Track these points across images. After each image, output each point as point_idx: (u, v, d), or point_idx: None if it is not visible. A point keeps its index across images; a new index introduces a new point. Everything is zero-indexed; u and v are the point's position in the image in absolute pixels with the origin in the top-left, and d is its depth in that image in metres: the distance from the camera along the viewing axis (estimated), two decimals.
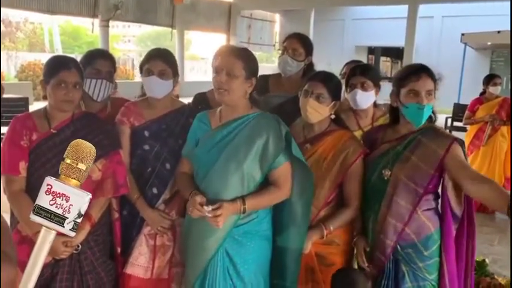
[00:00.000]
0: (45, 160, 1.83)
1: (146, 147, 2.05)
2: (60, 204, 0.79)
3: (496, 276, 2.67)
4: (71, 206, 0.80)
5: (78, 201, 0.80)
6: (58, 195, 0.79)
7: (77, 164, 0.81)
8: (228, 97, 1.75)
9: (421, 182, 1.77)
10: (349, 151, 1.89)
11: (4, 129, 1.95)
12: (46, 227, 0.80)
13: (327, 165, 1.90)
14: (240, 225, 1.80)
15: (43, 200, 0.79)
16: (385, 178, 1.83)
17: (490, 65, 13.88)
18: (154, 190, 2.05)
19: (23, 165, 1.82)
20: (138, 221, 2.06)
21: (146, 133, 2.06)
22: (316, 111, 1.90)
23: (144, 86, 2.09)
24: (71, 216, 0.80)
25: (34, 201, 1.84)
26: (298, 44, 2.37)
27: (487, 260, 2.78)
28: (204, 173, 1.81)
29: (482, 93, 5.21)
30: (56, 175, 1.89)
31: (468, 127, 6.84)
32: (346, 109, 2.31)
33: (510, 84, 9.81)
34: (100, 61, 2.17)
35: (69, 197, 0.80)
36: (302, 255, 1.89)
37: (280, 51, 2.44)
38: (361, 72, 2.28)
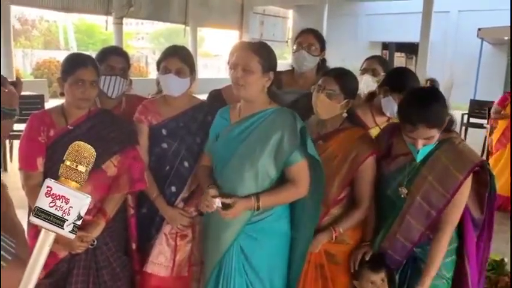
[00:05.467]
0: (62, 156, 1.84)
1: (164, 145, 2.05)
2: (59, 207, 0.79)
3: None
4: (70, 208, 0.80)
5: (78, 203, 0.81)
6: (58, 197, 0.79)
7: (76, 166, 0.81)
8: (244, 92, 1.75)
9: (436, 204, 1.72)
10: (359, 150, 1.85)
11: (20, 126, 1.99)
12: (46, 229, 0.80)
13: (337, 164, 1.87)
14: (255, 222, 1.80)
15: (43, 202, 0.79)
16: (402, 196, 1.79)
17: (507, 60, 13.61)
18: (173, 188, 2.05)
19: (40, 161, 1.84)
20: (157, 219, 2.07)
21: (164, 131, 2.06)
22: (327, 107, 1.87)
23: (161, 84, 2.10)
24: (71, 218, 0.80)
25: None
26: (314, 39, 2.34)
27: (506, 259, 2.72)
28: (221, 168, 1.82)
29: None
30: None
31: (486, 125, 6.72)
32: (363, 104, 2.27)
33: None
34: (114, 58, 2.18)
35: (69, 199, 0.80)
36: (310, 254, 1.89)
37: (293, 48, 2.42)
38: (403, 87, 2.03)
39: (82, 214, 0.81)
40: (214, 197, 1.72)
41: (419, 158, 1.73)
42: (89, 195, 0.82)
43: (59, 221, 0.79)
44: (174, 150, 2.05)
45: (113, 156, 1.91)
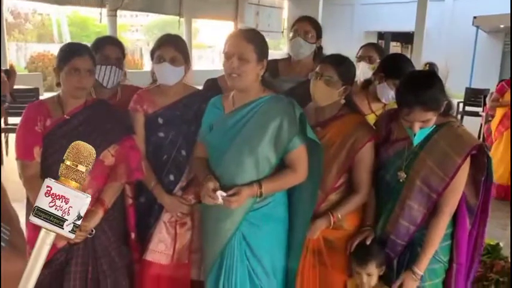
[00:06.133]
0: (58, 146, 1.85)
1: (161, 134, 2.05)
2: (59, 206, 0.79)
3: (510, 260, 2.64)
4: (70, 208, 0.79)
5: (78, 203, 0.80)
6: (58, 197, 0.79)
7: (76, 166, 0.81)
8: (240, 82, 1.74)
9: (436, 187, 1.73)
10: (357, 136, 1.85)
11: (15, 120, 1.98)
12: (46, 228, 0.79)
13: (335, 150, 1.87)
14: (257, 209, 1.81)
15: (42, 202, 0.78)
16: (400, 180, 1.80)
17: (502, 48, 13.63)
18: (171, 177, 2.06)
19: (37, 151, 1.84)
20: (156, 208, 2.08)
21: (160, 120, 2.06)
22: (324, 94, 1.87)
23: (156, 73, 2.08)
24: (71, 218, 0.80)
25: None
26: (310, 26, 2.34)
27: (501, 244, 2.76)
28: (218, 159, 1.81)
29: None
30: None
31: (482, 113, 6.72)
32: (359, 92, 2.27)
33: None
34: (109, 48, 2.17)
35: (69, 199, 0.79)
36: (308, 240, 1.90)
37: (289, 35, 2.41)
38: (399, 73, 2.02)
39: (82, 214, 0.81)
40: (215, 190, 1.71)
41: (416, 141, 1.74)
42: (89, 195, 0.82)
43: (59, 221, 0.79)
44: (170, 139, 2.04)
45: (110, 146, 1.91)
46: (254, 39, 1.74)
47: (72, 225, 0.80)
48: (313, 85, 1.89)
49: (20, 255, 0.85)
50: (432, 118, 1.69)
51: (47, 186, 0.79)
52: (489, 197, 1.82)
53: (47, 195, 0.78)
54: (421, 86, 1.66)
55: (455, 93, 9.02)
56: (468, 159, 1.72)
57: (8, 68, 5.90)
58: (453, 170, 1.70)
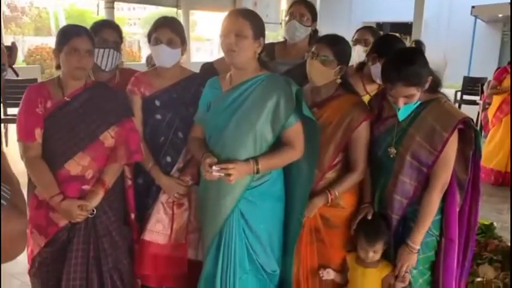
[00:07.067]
0: (59, 127, 1.88)
1: (158, 116, 2.08)
2: None
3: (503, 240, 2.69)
4: None
5: None
6: None
7: None
8: (238, 58, 1.76)
9: (426, 161, 1.77)
10: (353, 115, 1.88)
11: (14, 111, 2.00)
12: None
13: (332, 130, 1.90)
14: (255, 187, 1.84)
15: None
16: (391, 156, 1.84)
17: (501, 37, 13.61)
18: (168, 159, 2.08)
19: (38, 132, 1.86)
20: (154, 189, 2.11)
21: (157, 102, 2.08)
22: (320, 73, 1.89)
23: (153, 55, 2.11)
24: None
25: (49, 167, 1.88)
26: (305, 9, 2.36)
27: (495, 224, 2.80)
28: (216, 136, 1.84)
29: (510, 62, 5.02)
30: (70, 142, 1.92)
31: (479, 101, 6.73)
32: (353, 74, 2.30)
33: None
34: (107, 31, 2.18)
35: None
36: (306, 218, 1.93)
37: (285, 19, 2.43)
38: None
39: None
40: (211, 164, 1.74)
41: (401, 116, 1.78)
42: None
43: None
44: (167, 121, 2.07)
45: (110, 128, 1.94)
46: (250, 16, 1.78)
47: None
48: (309, 65, 1.92)
49: (21, 215, 0.88)
50: (415, 93, 1.72)
51: None
52: (478, 173, 1.85)
53: None
54: (403, 62, 1.72)
55: (453, 82, 8.98)
56: (456, 134, 1.75)
57: (11, 43, 5.94)
58: (441, 144, 1.73)
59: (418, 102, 1.76)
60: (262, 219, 1.87)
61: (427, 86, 1.76)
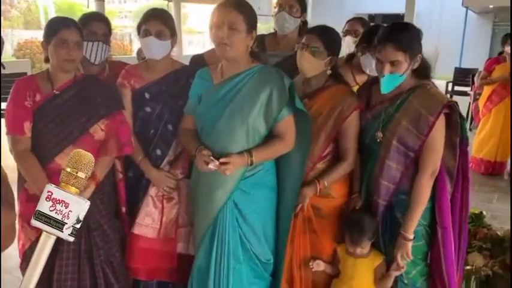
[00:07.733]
0: (48, 120, 1.87)
1: (148, 109, 2.06)
2: (59, 210, 0.82)
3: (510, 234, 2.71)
4: (70, 212, 0.82)
5: (78, 207, 0.83)
6: (58, 201, 0.82)
7: (76, 173, 0.84)
8: (230, 52, 1.74)
9: (412, 145, 1.78)
10: (344, 105, 1.89)
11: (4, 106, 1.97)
12: (46, 231, 0.82)
13: (323, 120, 1.91)
14: (247, 178, 1.84)
15: (43, 206, 0.82)
16: (378, 140, 1.85)
17: (492, 28, 13.67)
18: (158, 152, 2.08)
19: (27, 125, 1.85)
20: (144, 183, 2.10)
21: (147, 95, 2.07)
22: (311, 64, 1.89)
23: (142, 47, 2.10)
24: (70, 221, 0.83)
25: (39, 160, 1.87)
26: (294, 0, 2.35)
27: (484, 212, 2.84)
28: (209, 129, 1.83)
29: (501, 53, 5.06)
30: (60, 135, 1.91)
31: (470, 92, 6.78)
32: (343, 65, 2.30)
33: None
34: (96, 24, 2.16)
35: (69, 203, 0.82)
36: (299, 208, 1.94)
37: (274, 10, 2.42)
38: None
39: (81, 218, 0.84)
40: (209, 157, 1.74)
41: (383, 88, 1.78)
42: (88, 201, 0.85)
43: (59, 224, 0.82)
44: (157, 114, 2.06)
45: (100, 120, 1.93)
46: (244, 9, 1.75)
47: (71, 228, 0.83)
48: (299, 56, 1.92)
49: (12, 209, 0.88)
50: (402, 62, 1.72)
51: (48, 192, 0.82)
52: (466, 159, 1.87)
53: (47, 199, 0.82)
54: (397, 26, 1.81)
55: (445, 74, 9.03)
56: (443, 118, 1.76)
57: None
58: (427, 128, 1.74)
59: (404, 77, 1.76)
60: (256, 208, 1.88)
61: (416, 65, 1.76)
